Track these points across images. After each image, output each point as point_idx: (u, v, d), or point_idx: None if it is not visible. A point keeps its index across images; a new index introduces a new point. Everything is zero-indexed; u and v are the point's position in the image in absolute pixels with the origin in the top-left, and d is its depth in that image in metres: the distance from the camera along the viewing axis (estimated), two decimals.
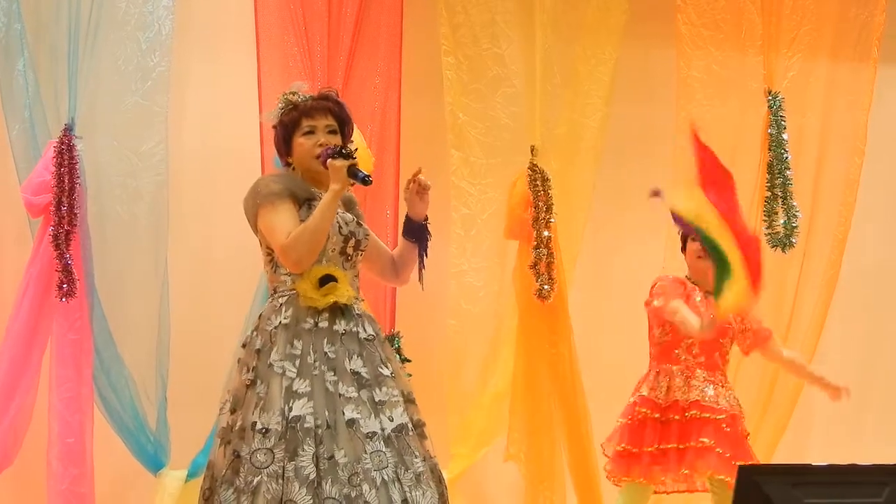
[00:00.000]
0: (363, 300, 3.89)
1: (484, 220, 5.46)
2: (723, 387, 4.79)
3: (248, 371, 3.68)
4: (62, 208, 4.92)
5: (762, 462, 5.00)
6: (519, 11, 5.47)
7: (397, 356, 5.12)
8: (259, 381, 3.64)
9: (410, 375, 5.10)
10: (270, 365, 3.63)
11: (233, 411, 3.67)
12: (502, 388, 5.41)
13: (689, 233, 4.71)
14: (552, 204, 5.38)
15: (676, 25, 5.62)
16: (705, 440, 4.65)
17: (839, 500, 3.05)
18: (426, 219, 3.91)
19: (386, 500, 3.50)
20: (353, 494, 3.48)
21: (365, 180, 3.69)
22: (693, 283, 4.84)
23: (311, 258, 3.67)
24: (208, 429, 4.66)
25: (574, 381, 5.37)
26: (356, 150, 3.79)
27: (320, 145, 3.75)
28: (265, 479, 3.50)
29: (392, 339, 5.25)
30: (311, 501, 3.47)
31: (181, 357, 5.09)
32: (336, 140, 3.79)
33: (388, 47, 5.40)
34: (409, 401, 3.76)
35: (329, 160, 3.68)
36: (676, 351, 4.80)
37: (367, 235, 3.87)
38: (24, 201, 4.97)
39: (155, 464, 5.09)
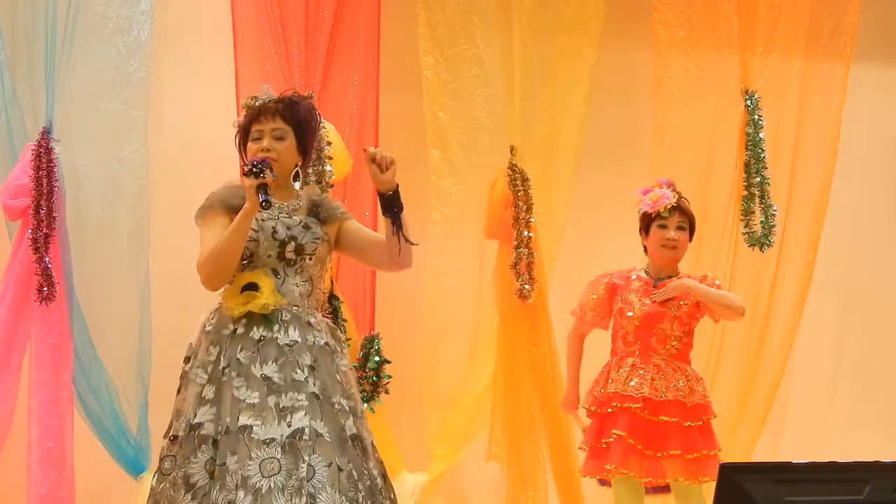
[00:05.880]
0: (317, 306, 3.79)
1: (464, 220, 5.46)
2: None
3: (181, 378, 3.71)
4: (41, 211, 4.90)
5: (742, 461, 5.01)
6: (497, 12, 5.47)
7: (373, 358, 5.14)
8: (182, 389, 3.66)
9: (391, 377, 5.14)
10: (187, 372, 3.66)
11: None
12: (483, 388, 5.41)
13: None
14: (532, 203, 5.39)
15: (653, 25, 5.64)
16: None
17: (820, 497, 3.05)
18: (395, 188, 3.64)
19: None
20: (235, 501, 3.42)
21: (262, 204, 3.50)
22: (647, 272, 4.74)
23: (221, 277, 3.62)
24: None
25: (555, 380, 5.36)
26: (270, 170, 3.55)
27: (263, 150, 3.68)
28: (167, 486, 3.52)
29: (372, 340, 5.25)
30: None
31: (162, 360, 5.06)
32: (283, 146, 3.70)
33: (365, 48, 5.40)
34: (353, 412, 3.64)
35: (244, 175, 3.56)
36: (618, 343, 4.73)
37: (318, 239, 3.71)
38: (1, 205, 4.95)
39: (135, 468, 5.08)
